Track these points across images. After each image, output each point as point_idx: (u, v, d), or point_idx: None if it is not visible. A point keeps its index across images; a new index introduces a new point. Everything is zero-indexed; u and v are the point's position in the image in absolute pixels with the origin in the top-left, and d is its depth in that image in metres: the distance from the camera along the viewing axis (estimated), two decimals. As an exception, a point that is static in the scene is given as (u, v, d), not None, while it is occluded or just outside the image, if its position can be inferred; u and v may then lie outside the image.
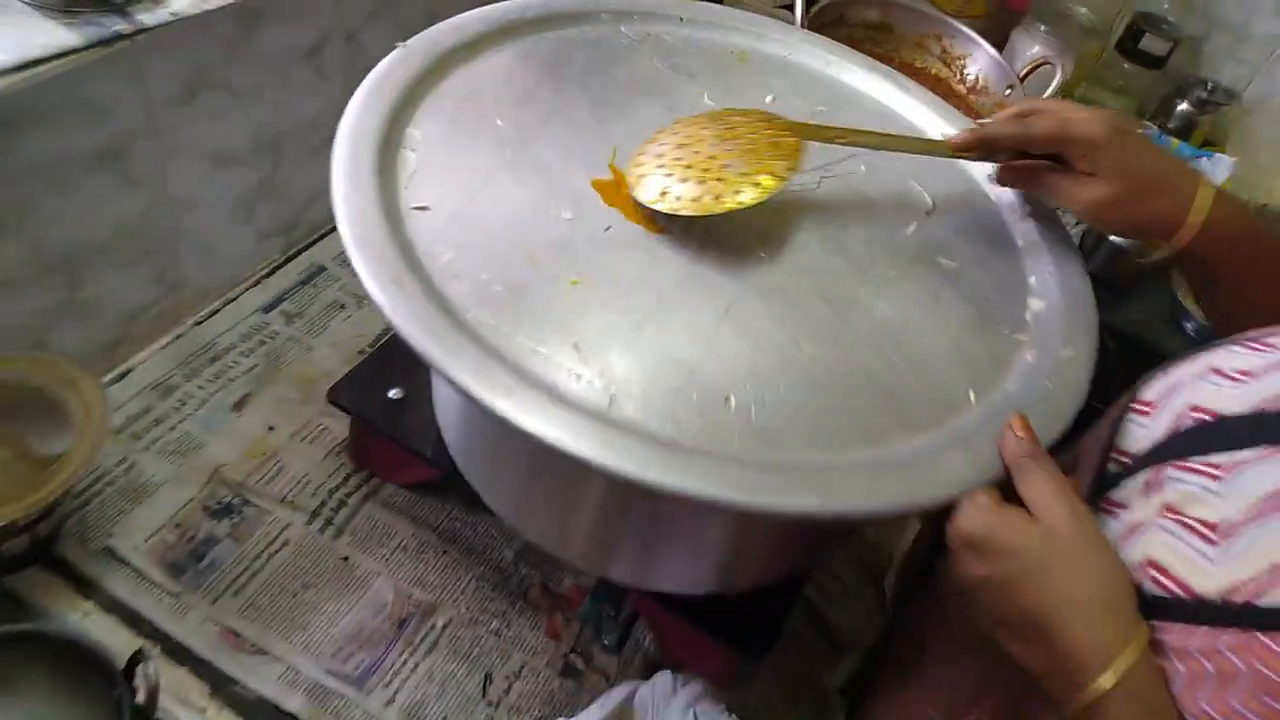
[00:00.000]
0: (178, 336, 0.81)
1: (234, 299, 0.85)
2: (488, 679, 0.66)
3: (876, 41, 1.13)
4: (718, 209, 0.54)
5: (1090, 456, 0.50)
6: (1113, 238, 1.02)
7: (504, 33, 0.65)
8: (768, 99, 0.67)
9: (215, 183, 0.78)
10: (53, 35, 0.60)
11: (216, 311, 0.84)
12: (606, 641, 0.69)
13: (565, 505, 0.58)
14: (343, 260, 0.90)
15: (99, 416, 0.64)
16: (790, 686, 0.70)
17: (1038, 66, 1.09)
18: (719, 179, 0.55)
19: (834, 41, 0.74)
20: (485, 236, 0.52)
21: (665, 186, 0.55)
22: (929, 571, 0.65)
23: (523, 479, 0.60)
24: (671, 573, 0.60)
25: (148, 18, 0.63)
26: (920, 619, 0.65)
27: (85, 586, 0.65)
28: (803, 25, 0.91)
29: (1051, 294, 0.58)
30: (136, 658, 0.58)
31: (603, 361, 0.47)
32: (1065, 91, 1.24)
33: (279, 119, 0.81)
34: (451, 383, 0.44)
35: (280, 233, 0.89)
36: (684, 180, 0.55)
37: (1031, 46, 1.23)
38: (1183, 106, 1.29)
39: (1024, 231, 0.63)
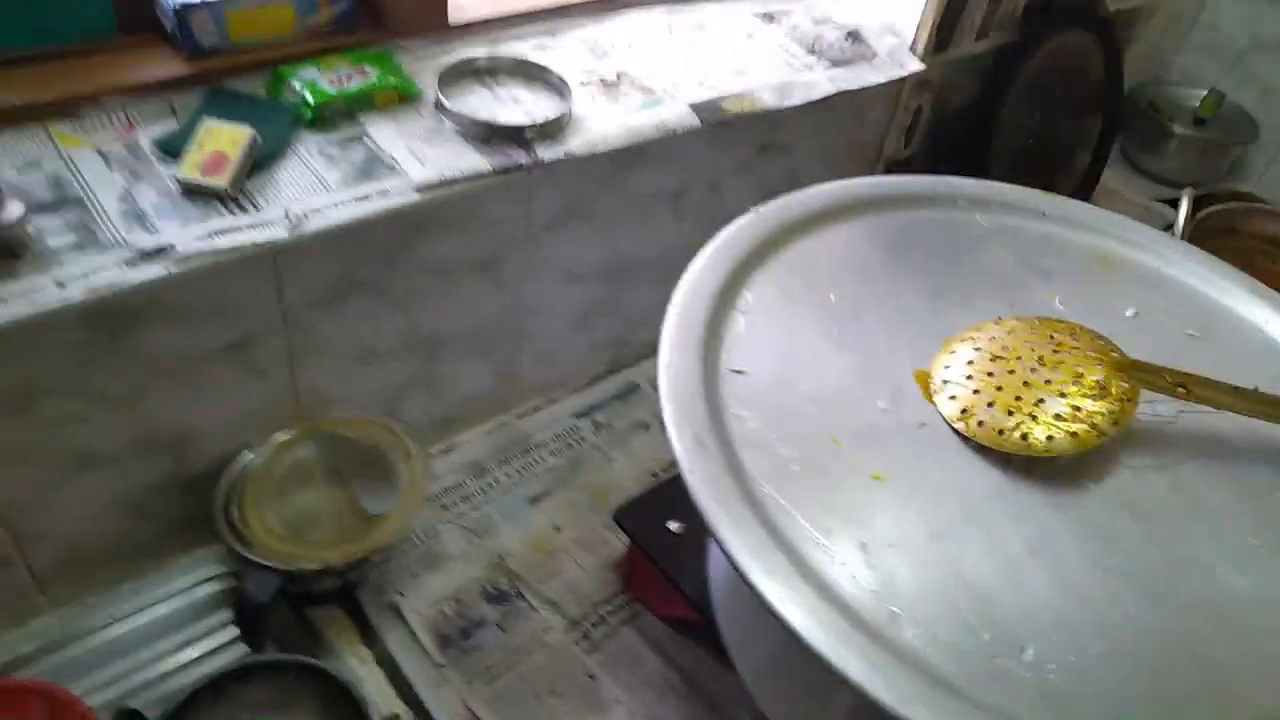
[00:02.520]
0: (501, 425, 0.89)
1: (555, 400, 0.92)
2: None
3: (1273, 258, 1.01)
4: (1020, 451, 0.49)
5: None
6: None
7: (854, 208, 0.65)
8: (1129, 312, 0.62)
9: (565, 295, 0.86)
10: (471, 160, 0.70)
11: (538, 409, 0.91)
12: None
13: (809, 696, 0.55)
14: (656, 383, 0.94)
15: (422, 488, 0.71)
16: None
17: None
18: (1031, 415, 0.51)
19: (1216, 258, 0.67)
20: (795, 411, 0.52)
21: (969, 405, 0.51)
22: None
23: (773, 653, 0.58)
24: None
25: (546, 154, 0.72)
26: None
27: (369, 635, 0.72)
28: (1184, 234, 0.83)
29: None
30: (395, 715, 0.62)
31: (889, 571, 0.45)
32: None
33: (633, 248, 0.88)
34: (728, 556, 0.44)
35: (610, 346, 0.96)
36: (991, 404, 0.51)
37: None
38: None
39: None
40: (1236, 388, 0.53)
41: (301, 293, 0.68)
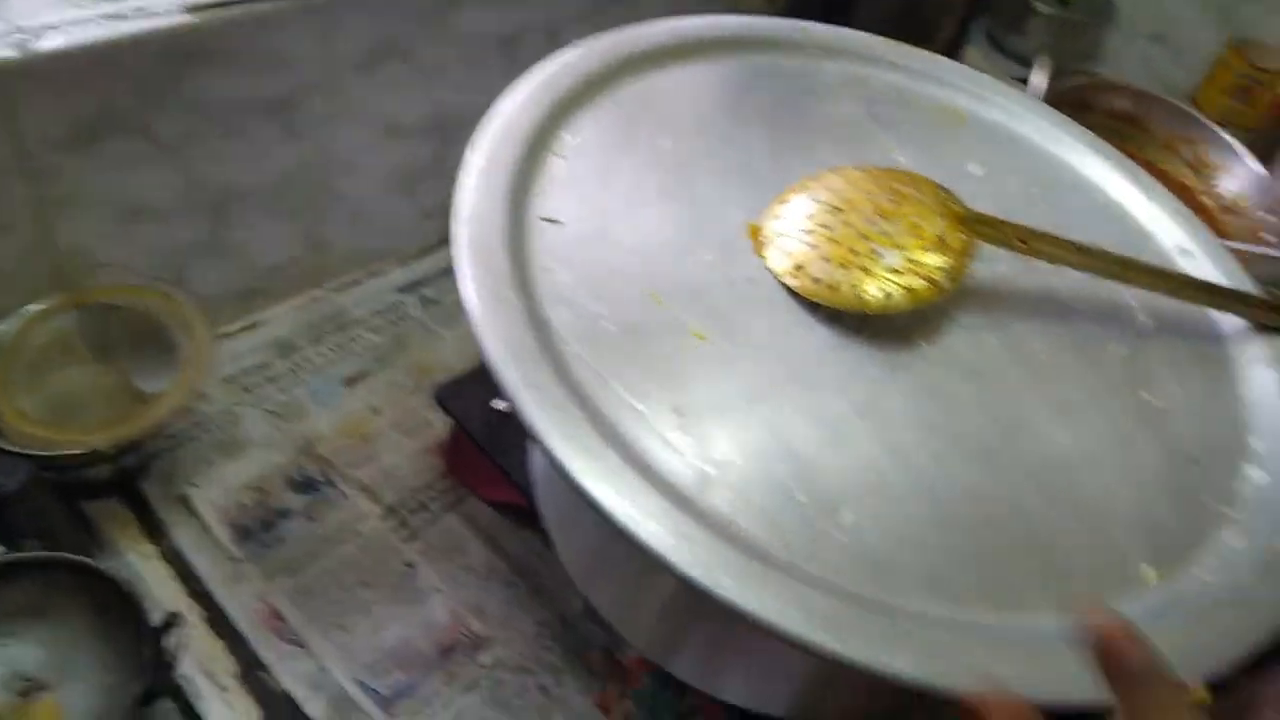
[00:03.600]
0: (314, 299, 0.80)
1: (377, 273, 0.84)
2: (521, 738, 0.60)
3: (1122, 135, 1.00)
4: (854, 307, 0.45)
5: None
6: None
7: (694, 48, 0.59)
8: (974, 168, 0.58)
9: (383, 151, 0.77)
10: (251, -22, 0.59)
11: (357, 283, 0.83)
12: (658, 732, 0.62)
13: (633, 586, 0.51)
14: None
15: (204, 365, 0.62)
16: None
17: (1312, 195, 0.93)
18: (865, 268, 0.46)
19: (1064, 116, 0.64)
20: (612, 265, 0.46)
21: (802, 259, 0.47)
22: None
23: (595, 544, 0.54)
24: (738, 688, 0.52)
25: (346, -24, 0.62)
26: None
27: (153, 530, 0.64)
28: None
29: (1279, 468, 0.46)
30: (172, 620, 0.55)
31: (704, 434, 0.40)
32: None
33: (461, 101, 0.79)
34: (523, 417, 0.38)
35: (440, 214, 0.87)
36: (825, 258, 0.47)
37: (1310, 171, 1.06)
38: None
39: (1260, 385, 0.51)
40: (1077, 244, 0.50)
41: (42, 129, 0.57)
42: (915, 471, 0.42)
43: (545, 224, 0.47)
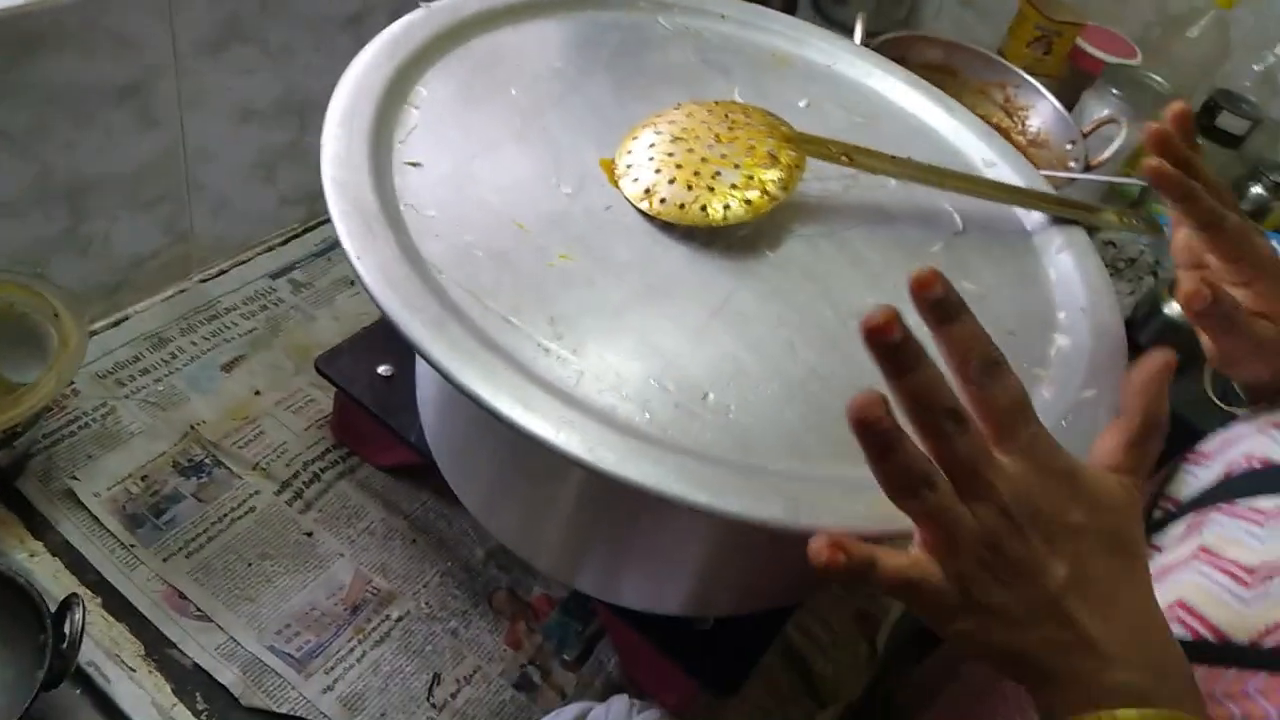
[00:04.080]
0: (181, 291, 0.80)
1: (245, 261, 0.84)
2: (436, 679, 0.62)
3: (938, 84, 1.09)
4: (700, 222, 0.50)
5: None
6: (1168, 311, 0.97)
7: (534, 7, 0.62)
8: (801, 103, 0.64)
9: (238, 138, 0.77)
10: (84, -40, 0.59)
11: (224, 272, 0.82)
12: (568, 656, 0.65)
13: (532, 503, 0.54)
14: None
15: (74, 353, 0.62)
16: (759, 732, 0.65)
17: (1103, 124, 1.04)
18: (709, 187, 0.51)
19: (881, 56, 0.71)
20: (476, 200, 0.49)
21: (651, 184, 0.51)
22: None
23: (492, 471, 0.57)
24: (638, 588, 0.56)
25: (182, -44, 0.63)
26: (932, 668, 0.61)
27: (38, 527, 0.63)
28: (857, 47, 0.88)
29: (1080, 333, 0.54)
30: (69, 602, 0.55)
31: (577, 340, 0.44)
32: (1131, 159, 1.19)
33: (311, 84, 0.80)
34: (405, 337, 0.41)
35: (302, 201, 0.88)
36: (671, 181, 0.51)
37: (1101, 109, 1.19)
38: (1256, 189, 1.23)
39: (1059, 265, 0.58)
40: (893, 156, 0.56)
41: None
42: (769, 359, 0.47)
43: (409, 168, 0.49)
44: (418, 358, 0.63)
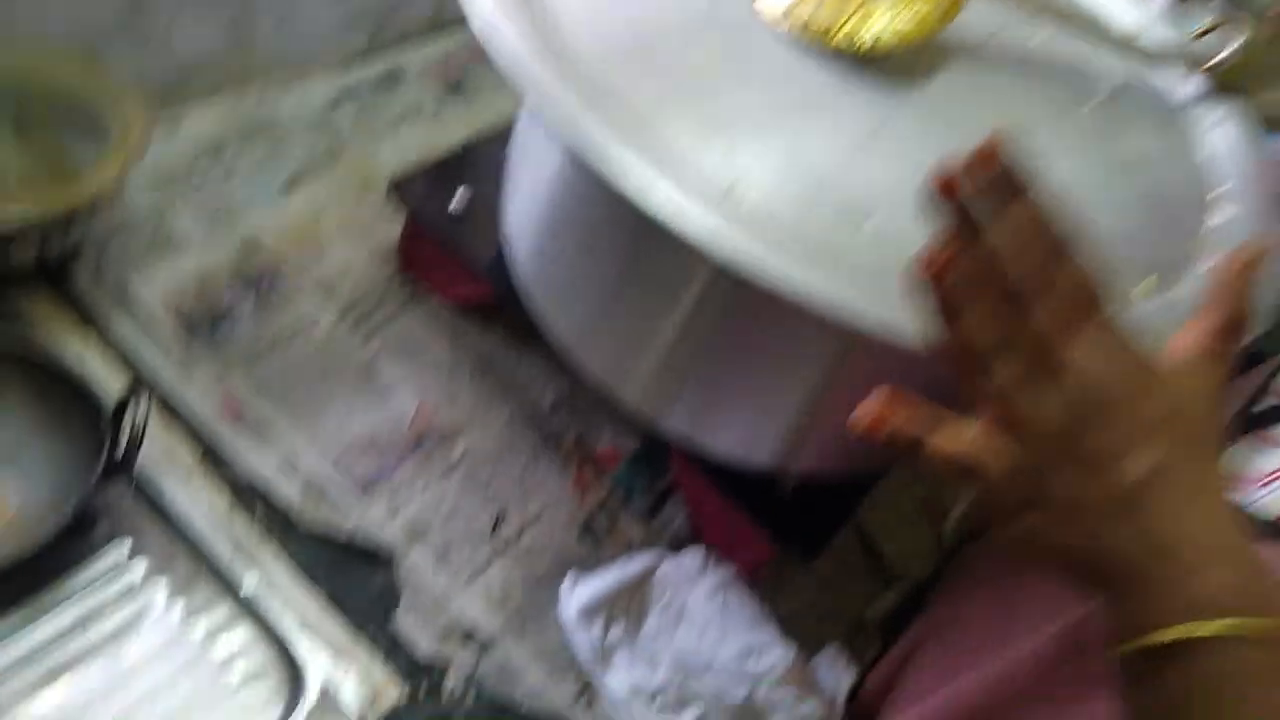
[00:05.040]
0: (240, 100, 0.74)
1: (305, 78, 0.78)
2: (500, 518, 0.60)
3: None
4: (846, 47, 0.46)
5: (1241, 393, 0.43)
6: None
7: None
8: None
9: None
10: None
11: (285, 89, 0.77)
12: (636, 507, 0.63)
13: (637, 330, 0.51)
14: (425, 73, 0.83)
15: (137, 140, 0.57)
16: (827, 606, 0.63)
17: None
18: (860, 7, 0.47)
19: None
20: (616, 12, 0.44)
21: (799, 7, 0.47)
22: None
23: (598, 294, 0.53)
24: (732, 431, 0.53)
25: None
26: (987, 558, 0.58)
27: (90, 321, 0.59)
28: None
29: (1231, 211, 0.50)
30: (130, 393, 0.52)
31: (728, 143, 0.40)
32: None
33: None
34: (548, 126, 0.37)
35: (367, 24, 0.82)
36: (821, 4, 0.47)
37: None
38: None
39: (1212, 141, 0.54)
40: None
41: None
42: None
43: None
44: (510, 181, 0.59)
